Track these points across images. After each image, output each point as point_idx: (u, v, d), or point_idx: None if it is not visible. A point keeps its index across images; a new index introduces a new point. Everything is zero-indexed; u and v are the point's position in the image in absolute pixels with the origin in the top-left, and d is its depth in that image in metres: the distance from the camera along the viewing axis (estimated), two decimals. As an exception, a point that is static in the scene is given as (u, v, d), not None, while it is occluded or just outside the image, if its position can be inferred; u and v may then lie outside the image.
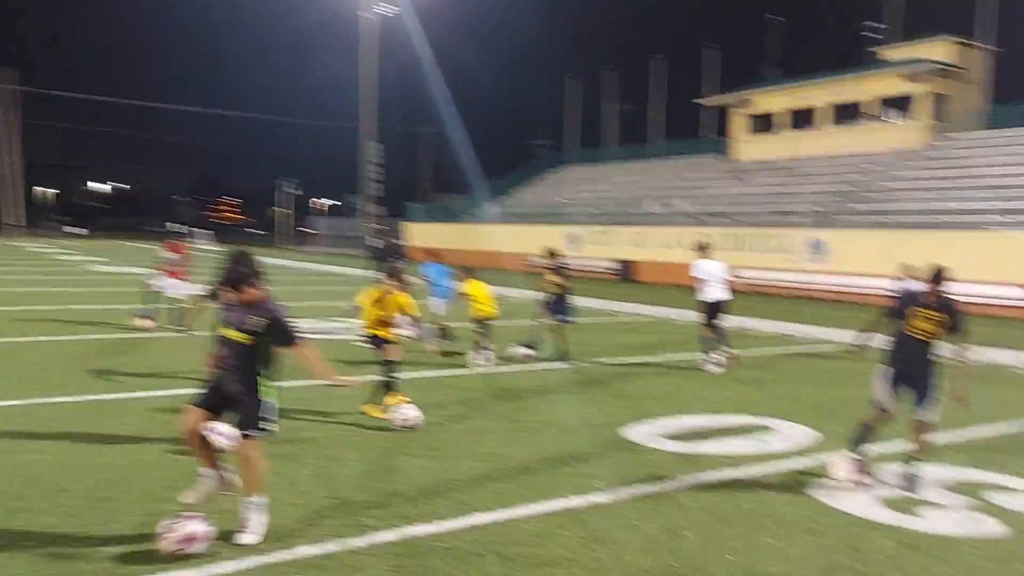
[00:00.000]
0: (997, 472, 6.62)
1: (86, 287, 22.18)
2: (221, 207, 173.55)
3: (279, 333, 4.81)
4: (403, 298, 8.06)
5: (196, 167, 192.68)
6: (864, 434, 6.17)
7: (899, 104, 36.17)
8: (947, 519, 5.47)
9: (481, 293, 11.34)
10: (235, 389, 4.75)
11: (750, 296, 26.93)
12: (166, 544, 4.28)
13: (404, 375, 8.41)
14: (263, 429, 4.79)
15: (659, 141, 49.83)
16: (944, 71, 34.59)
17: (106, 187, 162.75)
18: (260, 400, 4.79)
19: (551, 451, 6.84)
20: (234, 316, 4.82)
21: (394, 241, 15.81)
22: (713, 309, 11.74)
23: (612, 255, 36.43)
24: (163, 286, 13.81)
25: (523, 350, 11.85)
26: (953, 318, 5.92)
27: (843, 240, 28.75)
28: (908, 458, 6.11)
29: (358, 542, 4.69)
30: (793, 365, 12.72)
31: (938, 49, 35.34)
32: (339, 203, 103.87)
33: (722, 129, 44.74)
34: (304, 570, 4.30)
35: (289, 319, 4.88)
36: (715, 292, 11.73)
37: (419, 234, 51.86)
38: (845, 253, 28.35)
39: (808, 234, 29.82)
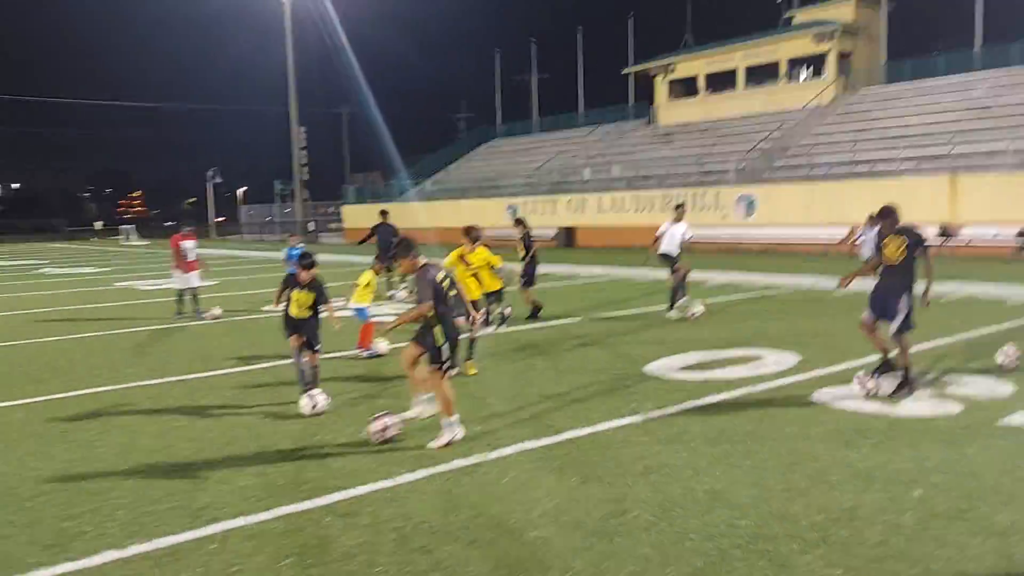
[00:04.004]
0: (950, 372, 8.40)
1: (62, 288, 22.34)
2: (131, 201, 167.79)
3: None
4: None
5: (97, 161, 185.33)
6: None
7: (808, 63, 38.73)
8: (919, 405, 7.14)
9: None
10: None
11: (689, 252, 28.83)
12: (373, 436, 6.33)
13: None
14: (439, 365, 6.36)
15: (584, 111, 51.44)
16: (848, 30, 37.20)
17: (5, 188, 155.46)
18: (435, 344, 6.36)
19: (596, 387, 8.25)
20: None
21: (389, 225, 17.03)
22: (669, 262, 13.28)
23: (552, 223, 38.02)
24: (187, 279, 14.51)
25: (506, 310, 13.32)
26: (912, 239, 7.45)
27: (768, 195, 31.03)
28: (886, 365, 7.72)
29: (528, 445, 6.03)
30: (753, 307, 14.48)
31: (843, 9, 37.92)
32: (245, 190, 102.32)
33: (643, 95, 46.70)
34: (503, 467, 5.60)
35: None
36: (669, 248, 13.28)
37: (355, 217, 52.15)
38: (771, 207, 30.65)
39: (737, 191, 31.98)
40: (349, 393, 8.25)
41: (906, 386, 7.46)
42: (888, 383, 7.54)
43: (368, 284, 10.39)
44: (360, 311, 10.30)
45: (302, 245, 15.77)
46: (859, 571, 4.04)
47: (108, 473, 5.91)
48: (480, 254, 9.48)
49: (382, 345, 10.15)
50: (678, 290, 13.30)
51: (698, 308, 12.99)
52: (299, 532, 4.73)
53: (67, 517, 5.07)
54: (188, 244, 14.53)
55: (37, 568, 4.34)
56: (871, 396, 7.35)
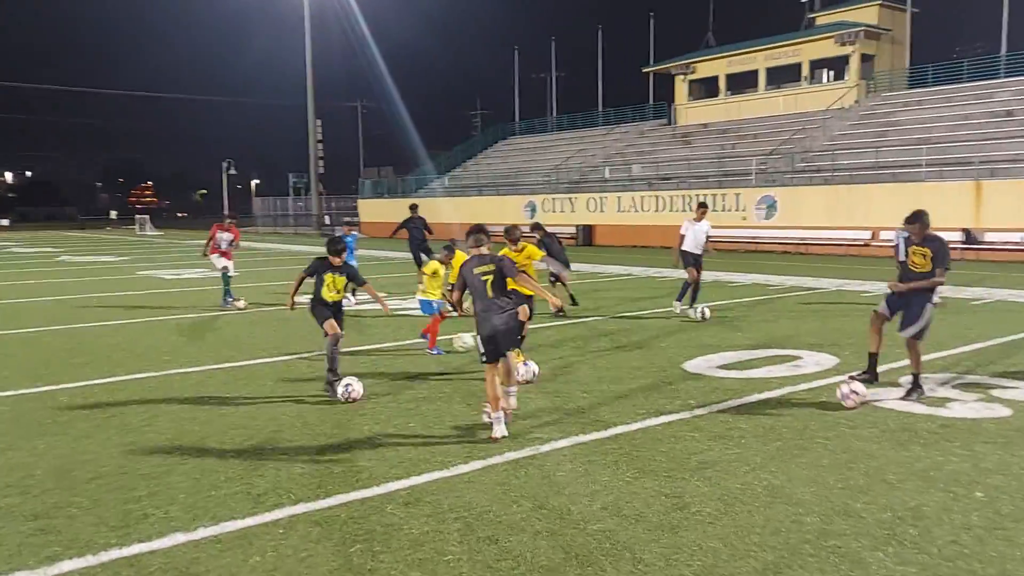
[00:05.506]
0: (993, 376, 8.36)
1: (84, 276, 22.47)
2: (143, 191, 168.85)
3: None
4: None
5: (110, 151, 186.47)
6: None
7: (830, 65, 38.53)
8: (967, 408, 7.11)
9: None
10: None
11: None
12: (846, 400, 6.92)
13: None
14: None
15: (603, 110, 51.33)
16: (871, 33, 37.00)
17: (19, 175, 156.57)
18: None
19: (637, 383, 8.24)
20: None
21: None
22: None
23: (571, 221, 37.97)
24: (227, 266, 14.66)
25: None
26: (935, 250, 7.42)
27: (789, 196, 30.92)
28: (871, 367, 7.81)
29: (579, 439, 6.03)
30: (780, 307, 14.41)
31: (866, 12, 37.74)
32: (258, 182, 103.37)
33: (662, 95, 46.60)
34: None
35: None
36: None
37: (370, 211, 52.26)
38: (792, 208, 30.54)
39: (758, 192, 31.87)
40: (395, 383, 8.27)
41: (916, 390, 7.46)
42: (862, 387, 7.33)
43: (435, 274, 10.05)
44: (427, 304, 10.11)
45: (355, 233, 16.04)
46: (934, 570, 4.03)
47: (163, 458, 5.95)
48: (525, 252, 9.44)
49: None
50: (696, 289, 13.26)
51: (706, 312, 12.84)
52: (363, 519, 4.75)
53: (129, 500, 5.10)
54: (225, 236, 14.71)
55: (110, 548, 4.37)
56: (856, 402, 7.12)
